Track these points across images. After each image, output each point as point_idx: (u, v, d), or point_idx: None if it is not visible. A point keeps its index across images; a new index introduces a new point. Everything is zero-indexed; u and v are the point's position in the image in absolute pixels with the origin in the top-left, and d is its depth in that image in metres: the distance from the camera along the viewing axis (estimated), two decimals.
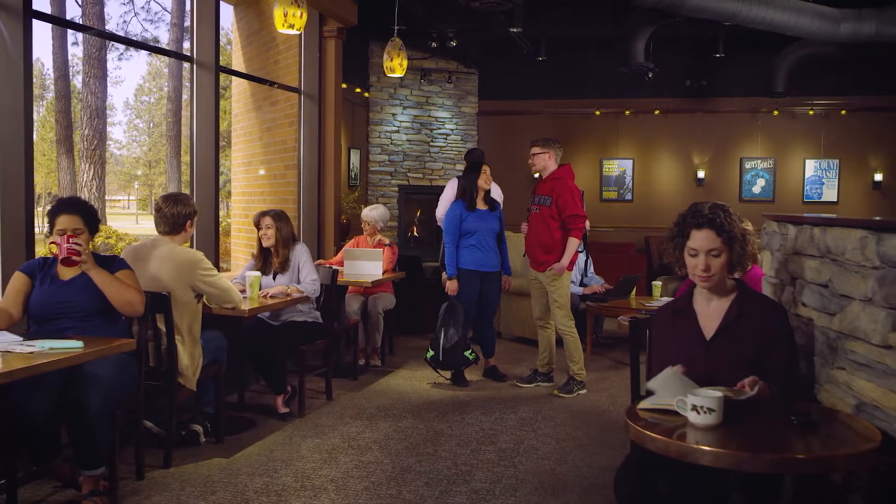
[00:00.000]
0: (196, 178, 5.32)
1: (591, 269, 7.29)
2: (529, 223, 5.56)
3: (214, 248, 5.35)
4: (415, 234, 11.23)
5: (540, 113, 11.77)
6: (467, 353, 5.52)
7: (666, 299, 6.87)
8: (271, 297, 4.56)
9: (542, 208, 5.42)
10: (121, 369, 3.28)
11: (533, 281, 5.61)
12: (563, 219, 5.34)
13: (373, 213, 6.40)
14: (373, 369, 6.12)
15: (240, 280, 4.75)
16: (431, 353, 5.58)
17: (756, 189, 11.51)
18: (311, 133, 6.88)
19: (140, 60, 68.77)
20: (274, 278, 4.89)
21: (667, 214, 11.57)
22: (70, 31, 21.32)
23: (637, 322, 3.06)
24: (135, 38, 16.93)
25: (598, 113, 11.60)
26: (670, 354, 2.55)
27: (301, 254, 4.87)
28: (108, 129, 41.08)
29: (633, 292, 7.05)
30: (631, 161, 11.79)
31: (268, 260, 4.90)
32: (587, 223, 5.76)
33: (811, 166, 11.33)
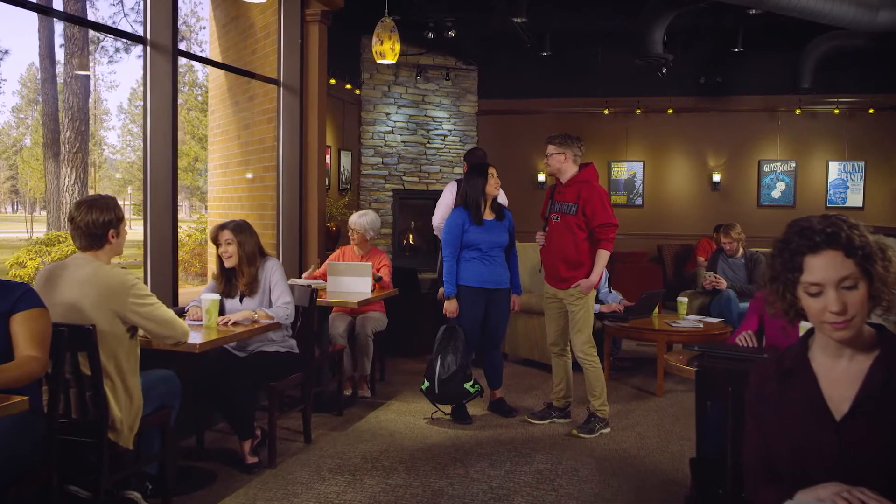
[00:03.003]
0: (150, 178, 4.51)
1: (606, 283, 6.49)
2: (549, 234, 4.75)
3: (171, 266, 4.53)
4: (410, 241, 10.44)
5: (544, 112, 11.00)
6: (468, 386, 4.71)
7: (694, 317, 6.09)
8: (234, 324, 3.75)
9: (566, 217, 4.62)
10: (12, 432, 2.48)
11: (549, 300, 4.81)
12: (592, 228, 4.55)
13: (362, 219, 5.58)
14: (361, 401, 5.31)
15: (197, 303, 3.94)
16: (427, 384, 4.78)
17: (776, 193, 10.75)
18: (291, 130, 6.08)
19: (136, 64, 68.02)
20: (241, 301, 4.08)
21: (680, 221, 10.88)
22: (58, 33, 20.58)
23: (708, 371, 2.26)
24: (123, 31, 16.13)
25: (606, 112, 10.83)
26: (779, 436, 1.75)
27: (273, 272, 4.06)
28: (103, 133, 40.52)
29: (657, 310, 6.26)
30: (641, 164, 11.03)
31: (232, 281, 4.09)
32: None
33: (834, 169, 10.57)
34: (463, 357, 4.69)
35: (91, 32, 20.46)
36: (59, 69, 20.37)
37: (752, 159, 10.78)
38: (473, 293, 4.79)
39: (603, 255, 4.58)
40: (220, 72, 7.49)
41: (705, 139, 10.84)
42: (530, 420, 4.85)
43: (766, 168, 10.74)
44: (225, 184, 7.32)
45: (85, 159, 18.73)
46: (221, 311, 4.04)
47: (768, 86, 10.34)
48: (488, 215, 4.86)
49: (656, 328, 5.74)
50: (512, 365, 6.38)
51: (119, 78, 73.88)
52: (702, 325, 5.75)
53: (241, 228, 4.02)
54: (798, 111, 10.40)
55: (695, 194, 10.95)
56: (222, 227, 4.03)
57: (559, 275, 4.69)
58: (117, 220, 3.17)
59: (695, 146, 10.89)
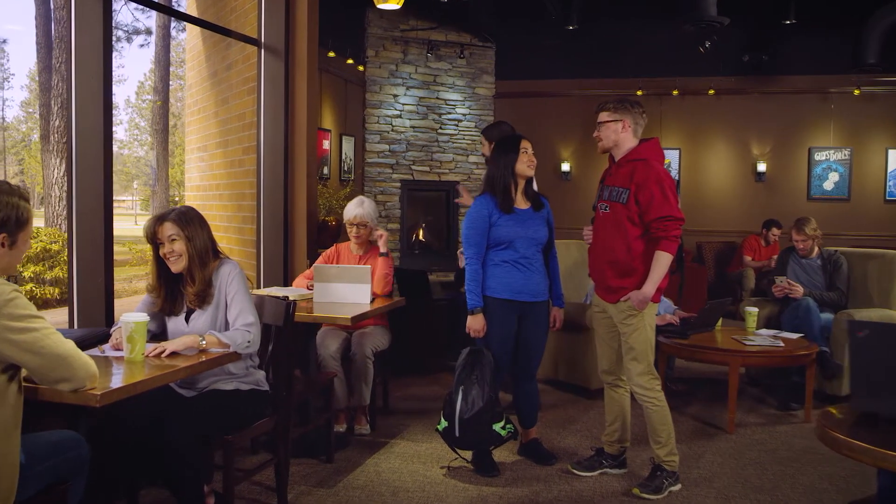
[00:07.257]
0: (76, 163, 3.41)
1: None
2: (595, 229, 3.66)
3: (104, 271, 3.43)
4: (420, 238, 9.35)
5: (569, 95, 9.92)
6: (499, 427, 3.62)
7: (766, 332, 4.98)
8: (170, 355, 2.66)
9: (616, 206, 3.52)
10: None
11: (599, 314, 3.71)
12: (647, 223, 3.44)
13: (362, 208, 4.45)
14: (357, 441, 4.21)
15: (120, 326, 2.84)
16: (444, 423, 3.68)
17: (828, 185, 9.62)
18: (275, 101, 4.98)
19: (144, 58, 67.40)
20: (187, 320, 2.99)
21: (721, 216, 9.60)
22: (53, 22, 19.76)
23: None
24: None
25: (639, 94, 9.69)
26: None
27: (230, 280, 2.96)
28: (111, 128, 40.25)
29: (720, 323, 5.15)
30: (678, 151, 9.93)
31: (174, 292, 2.99)
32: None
33: (895, 157, 9.41)
34: (491, 389, 3.59)
35: None
36: (52, 59, 19.70)
37: (801, 147, 9.66)
38: (504, 307, 3.68)
39: (662, 259, 3.45)
40: (198, 39, 6.44)
41: (749, 124, 9.74)
42: (575, 471, 3.74)
43: (818, 156, 9.61)
44: (202, 169, 6.27)
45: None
46: (162, 336, 2.97)
47: (820, 64, 9.21)
48: (522, 203, 3.76)
49: (725, 346, 4.63)
50: (543, 388, 5.25)
51: (127, 72, 73.18)
52: (781, 344, 4.63)
53: (187, 218, 2.91)
54: (857, 91, 9.23)
55: (737, 185, 9.83)
56: (160, 218, 2.92)
57: (607, 283, 3.58)
58: (16, 224, 2.10)
59: (737, 132, 9.78)
